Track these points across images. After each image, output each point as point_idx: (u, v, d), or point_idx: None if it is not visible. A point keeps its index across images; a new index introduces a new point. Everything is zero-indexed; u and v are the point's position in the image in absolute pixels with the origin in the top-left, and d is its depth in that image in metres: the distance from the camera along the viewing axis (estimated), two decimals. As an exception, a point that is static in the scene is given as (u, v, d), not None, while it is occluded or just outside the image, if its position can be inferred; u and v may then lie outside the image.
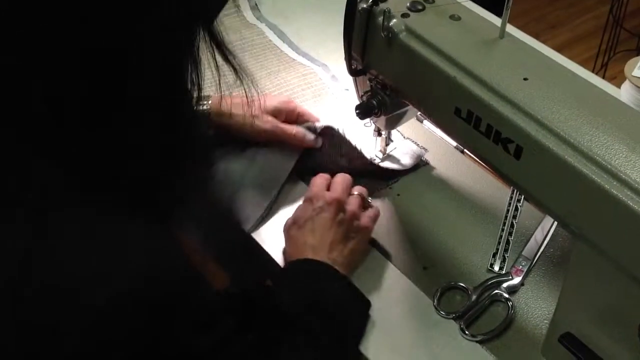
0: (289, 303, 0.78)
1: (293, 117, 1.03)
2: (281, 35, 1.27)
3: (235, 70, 0.61)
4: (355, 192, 0.94)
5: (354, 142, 1.02)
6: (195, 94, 0.58)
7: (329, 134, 1.02)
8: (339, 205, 0.89)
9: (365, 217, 0.91)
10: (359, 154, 1.01)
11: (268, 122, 1.00)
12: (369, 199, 0.97)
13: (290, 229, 0.89)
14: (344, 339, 0.79)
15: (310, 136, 1.01)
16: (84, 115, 0.53)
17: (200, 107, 0.61)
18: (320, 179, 0.95)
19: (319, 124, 1.03)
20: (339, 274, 0.83)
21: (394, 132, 1.04)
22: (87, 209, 0.54)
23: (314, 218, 0.88)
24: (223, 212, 0.93)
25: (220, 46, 0.58)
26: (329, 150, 1.02)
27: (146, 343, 0.54)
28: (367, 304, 0.85)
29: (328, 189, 0.93)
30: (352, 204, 0.91)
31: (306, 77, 1.17)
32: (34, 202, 0.53)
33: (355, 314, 0.83)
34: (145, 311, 0.54)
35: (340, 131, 1.02)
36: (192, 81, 0.57)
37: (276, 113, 1.02)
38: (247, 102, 0.62)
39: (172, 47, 0.54)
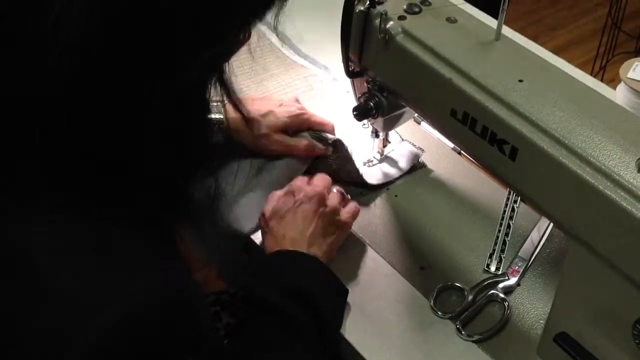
0: (274, 294, 0.78)
1: (304, 126, 1.02)
2: (282, 37, 1.27)
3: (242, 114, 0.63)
4: (335, 189, 0.94)
5: (357, 164, 1.01)
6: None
7: (338, 147, 1.01)
8: (321, 199, 0.89)
9: (345, 213, 0.91)
10: (359, 175, 1.00)
11: (275, 143, 0.99)
12: (349, 196, 0.97)
13: (270, 220, 0.88)
14: (325, 328, 0.80)
15: (321, 146, 1.00)
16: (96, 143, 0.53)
17: (214, 116, 0.62)
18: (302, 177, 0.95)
19: (331, 136, 1.02)
20: (320, 263, 0.84)
21: (391, 133, 1.05)
22: (91, 231, 0.53)
23: (295, 210, 0.88)
24: (225, 219, 0.93)
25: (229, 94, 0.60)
26: (332, 163, 1.01)
27: None
28: (346, 292, 0.85)
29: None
30: (333, 199, 0.91)
31: (307, 79, 1.18)
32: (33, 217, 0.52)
33: (336, 303, 0.84)
34: (137, 345, 0.51)
35: (349, 150, 1.01)
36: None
37: (286, 128, 1.00)
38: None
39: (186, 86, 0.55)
